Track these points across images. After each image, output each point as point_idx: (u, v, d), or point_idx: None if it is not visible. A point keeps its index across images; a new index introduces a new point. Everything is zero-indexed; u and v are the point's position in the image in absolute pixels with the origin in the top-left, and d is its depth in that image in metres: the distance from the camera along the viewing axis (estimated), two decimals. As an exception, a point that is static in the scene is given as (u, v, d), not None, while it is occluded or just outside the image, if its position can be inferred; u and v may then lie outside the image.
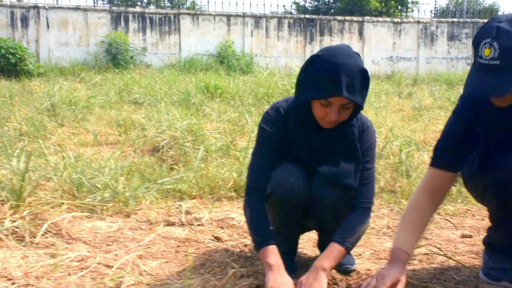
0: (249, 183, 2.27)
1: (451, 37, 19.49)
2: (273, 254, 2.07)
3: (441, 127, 6.63)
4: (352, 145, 2.20)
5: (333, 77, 1.98)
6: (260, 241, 2.11)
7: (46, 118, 6.07)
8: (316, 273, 2.03)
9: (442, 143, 2.19)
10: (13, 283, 2.05)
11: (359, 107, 2.10)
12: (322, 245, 2.39)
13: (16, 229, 2.58)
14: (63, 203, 3.08)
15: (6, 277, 2.09)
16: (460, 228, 3.14)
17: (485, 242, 2.36)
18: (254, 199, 2.22)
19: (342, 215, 2.20)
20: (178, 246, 2.69)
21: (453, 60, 19.53)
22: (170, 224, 3.05)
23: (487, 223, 2.49)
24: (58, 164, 3.72)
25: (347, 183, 2.16)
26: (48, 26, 15.69)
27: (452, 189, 3.76)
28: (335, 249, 2.10)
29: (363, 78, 2.04)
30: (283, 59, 17.95)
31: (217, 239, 2.81)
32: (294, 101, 2.20)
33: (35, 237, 2.55)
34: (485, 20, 17.71)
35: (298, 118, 2.20)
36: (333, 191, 2.16)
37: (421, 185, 2.22)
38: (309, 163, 2.22)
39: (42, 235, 2.60)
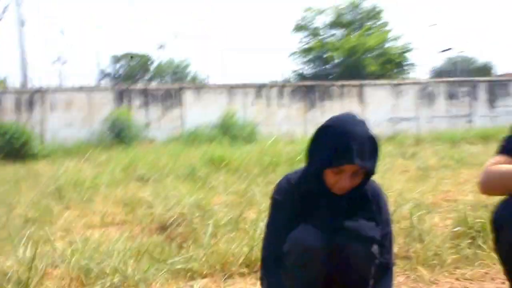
0: (264, 255, 2.25)
1: (450, 96, 19.74)
2: None
3: (449, 187, 6.59)
4: (368, 208, 2.23)
5: (344, 146, 2.03)
6: None
7: (52, 201, 6.05)
8: None
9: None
10: None
11: (370, 172, 2.11)
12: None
13: (24, 323, 2.50)
14: (71, 292, 3.01)
15: None
16: (481, 293, 3.04)
17: None
18: (270, 270, 2.21)
19: (367, 276, 2.17)
20: (192, 331, 2.60)
21: (453, 119, 19.68)
22: (182, 307, 2.96)
23: (507, 286, 2.41)
24: (65, 250, 3.66)
25: (371, 235, 2.14)
26: (52, 108, 15.98)
27: (467, 252, 3.68)
28: None
29: (373, 144, 2.09)
30: (285, 126, 18.12)
31: (232, 321, 2.72)
32: (306, 170, 2.23)
33: (43, 331, 2.47)
34: (482, 79, 17.99)
35: (310, 187, 2.20)
36: (357, 245, 2.12)
37: (490, 164, 2.16)
38: (326, 229, 2.18)
39: (51, 327, 2.52)
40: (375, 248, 2.17)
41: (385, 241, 2.25)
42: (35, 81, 27.59)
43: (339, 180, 2.10)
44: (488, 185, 2.10)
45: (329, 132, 2.10)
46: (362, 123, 2.14)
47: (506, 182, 2.02)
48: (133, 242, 4.14)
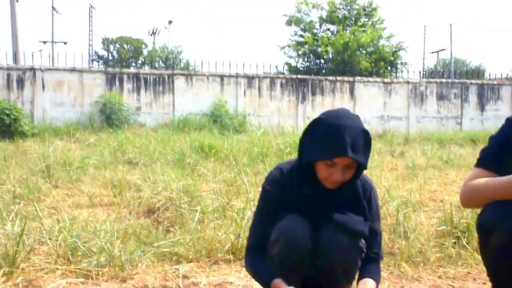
0: (249, 242, 2.27)
1: (440, 97, 19.86)
2: (281, 285, 2.08)
3: (436, 187, 6.66)
4: (358, 203, 2.25)
5: (338, 138, 2.04)
6: (266, 281, 2.13)
7: (41, 179, 6.02)
8: None
9: (489, 149, 2.25)
10: None
11: (362, 167, 2.13)
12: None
13: (10, 297, 2.51)
14: (57, 269, 3.02)
15: None
16: (463, 292, 3.08)
17: None
18: (254, 256, 2.23)
19: (352, 269, 2.20)
20: (176, 314, 2.62)
21: (443, 120, 19.81)
22: (167, 289, 2.98)
23: (489, 287, 2.45)
24: (53, 227, 3.66)
25: (359, 229, 2.17)
26: (43, 87, 15.86)
27: (451, 251, 3.73)
28: (372, 284, 2.14)
29: (365, 139, 2.11)
30: (275, 118, 18.14)
31: (216, 305, 2.75)
32: (298, 162, 2.24)
33: (28, 305, 2.48)
34: (473, 81, 18.03)
35: (302, 179, 2.21)
36: (344, 238, 2.14)
37: (468, 179, 2.24)
38: (315, 221, 2.21)
39: (36, 303, 2.53)
40: (362, 242, 2.19)
41: (376, 235, 2.28)
42: (27, 60, 27.35)
43: (331, 174, 2.12)
44: (467, 200, 2.21)
45: (322, 124, 2.12)
46: (355, 117, 2.16)
47: (482, 197, 2.12)
48: (120, 224, 4.15)
